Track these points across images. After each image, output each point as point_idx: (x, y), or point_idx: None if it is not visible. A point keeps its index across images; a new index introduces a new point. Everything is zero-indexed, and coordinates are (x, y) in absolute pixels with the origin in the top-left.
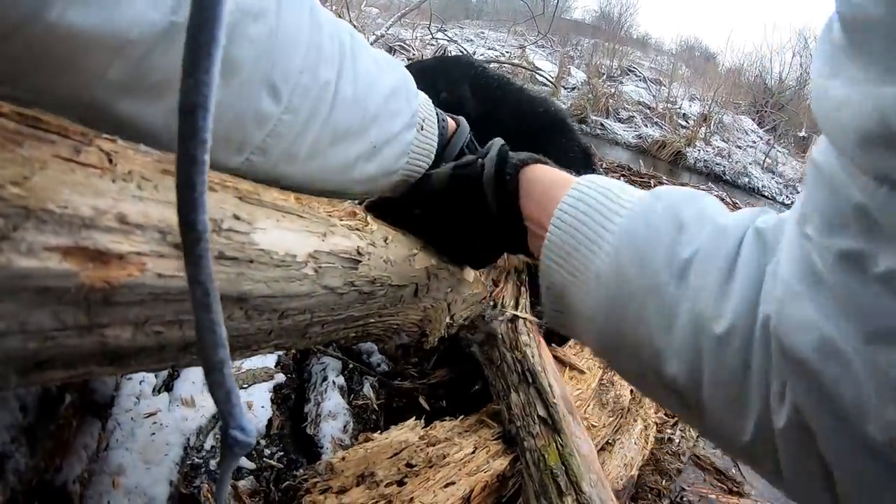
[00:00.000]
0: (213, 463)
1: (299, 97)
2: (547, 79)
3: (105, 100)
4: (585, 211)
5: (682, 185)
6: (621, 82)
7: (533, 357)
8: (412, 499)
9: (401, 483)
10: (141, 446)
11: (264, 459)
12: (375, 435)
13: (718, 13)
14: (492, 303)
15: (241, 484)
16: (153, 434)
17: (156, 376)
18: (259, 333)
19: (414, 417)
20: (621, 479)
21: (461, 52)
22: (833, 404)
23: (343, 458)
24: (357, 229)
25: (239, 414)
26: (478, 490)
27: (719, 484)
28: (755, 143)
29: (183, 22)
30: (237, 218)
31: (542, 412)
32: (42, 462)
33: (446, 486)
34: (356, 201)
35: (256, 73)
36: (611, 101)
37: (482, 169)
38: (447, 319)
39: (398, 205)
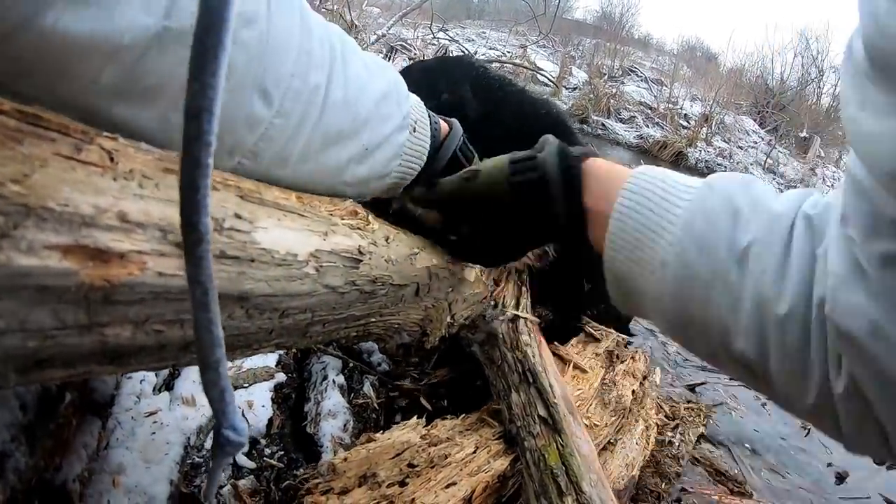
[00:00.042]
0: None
1: (290, 101)
2: (548, 79)
3: (100, 105)
4: (645, 203)
5: None
6: (623, 82)
7: (534, 357)
8: (414, 499)
9: (402, 483)
10: (141, 445)
11: (265, 459)
12: (377, 435)
13: (720, 13)
14: (493, 302)
15: (242, 483)
16: (153, 433)
17: (156, 375)
18: (260, 332)
19: (416, 417)
20: (622, 479)
21: (463, 51)
22: (885, 378)
23: (345, 459)
24: (358, 228)
25: (232, 413)
26: (479, 490)
27: (720, 485)
28: (756, 143)
29: (176, 27)
30: (239, 217)
31: (542, 412)
32: (42, 461)
33: (448, 486)
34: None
35: (248, 77)
36: (612, 101)
37: (544, 168)
38: (448, 319)
39: (448, 220)
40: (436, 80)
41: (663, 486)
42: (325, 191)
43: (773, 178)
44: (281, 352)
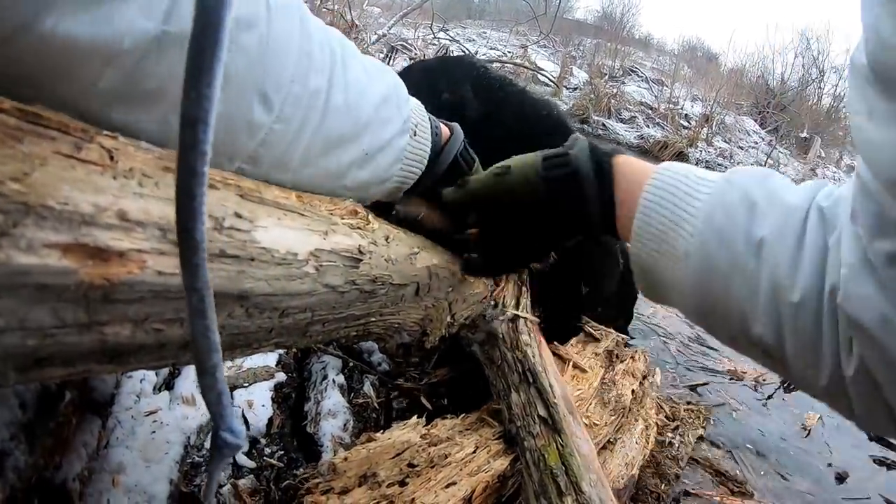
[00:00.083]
0: None
1: (291, 106)
2: (549, 79)
3: (99, 109)
4: (668, 198)
5: None
6: (623, 82)
7: (534, 357)
8: (414, 499)
9: (402, 483)
10: (141, 444)
11: (264, 458)
12: (378, 435)
13: (720, 14)
14: (493, 302)
15: (242, 483)
16: (153, 432)
17: (156, 374)
18: (260, 332)
19: (416, 416)
20: (622, 479)
21: (463, 51)
22: (893, 364)
23: (345, 459)
24: (358, 228)
25: (229, 416)
26: (479, 490)
27: (721, 485)
28: (757, 143)
29: (175, 31)
30: (239, 216)
31: (542, 412)
32: (42, 459)
33: (448, 486)
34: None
35: (248, 82)
36: (613, 101)
37: (577, 163)
38: (448, 318)
39: (486, 233)
40: (436, 80)
41: (663, 486)
42: (325, 195)
43: None
44: (281, 351)
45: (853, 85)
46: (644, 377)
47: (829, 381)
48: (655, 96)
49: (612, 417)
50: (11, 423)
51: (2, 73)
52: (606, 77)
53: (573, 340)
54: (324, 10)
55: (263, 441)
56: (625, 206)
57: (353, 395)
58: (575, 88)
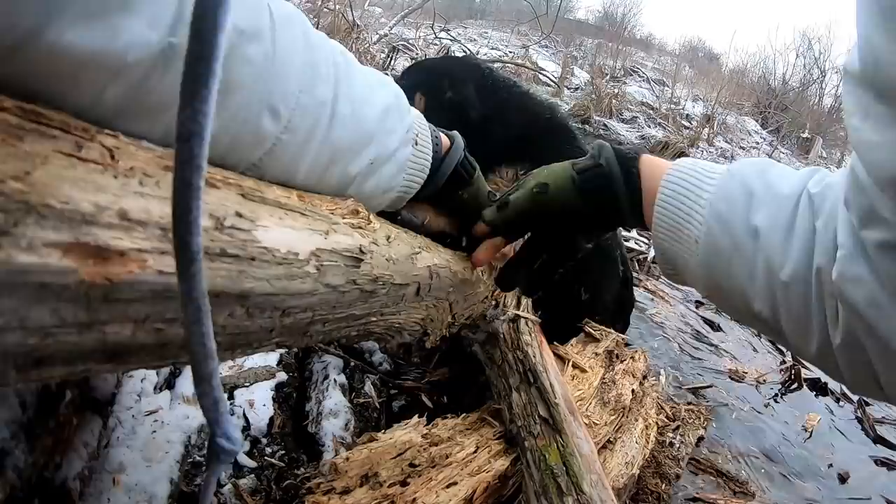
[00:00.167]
0: None
1: (299, 117)
2: (550, 79)
3: (104, 121)
4: (680, 192)
5: None
6: (625, 83)
7: (534, 357)
8: (415, 499)
9: (404, 483)
10: (142, 444)
11: (265, 458)
12: (379, 434)
13: (722, 14)
14: (494, 302)
15: (243, 482)
16: (154, 432)
17: (157, 374)
18: (261, 331)
19: (417, 416)
20: (622, 478)
21: (465, 51)
22: (877, 337)
23: (347, 459)
24: (359, 227)
25: (225, 423)
26: (480, 490)
27: (723, 487)
28: (758, 144)
29: (180, 43)
30: (239, 215)
31: (543, 412)
32: (42, 459)
33: (449, 486)
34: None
35: (254, 93)
36: (614, 101)
37: (610, 174)
38: (449, 318)
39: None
40: (441, 78)
41: (664, 486)
42: None
43: None
44: (282, 351)
45: (848, 87)
46: (644, 377)
47: (819, 349)
48: (657, 97)
49: (612, 417)
50: (11, 421)
51: (10, 85)
52: (608, 77)
53: (573, 340)
54: (325, 10)
55: (264, 441)
56: (648, 202)
57: (354, 394)
58: (576, 88)
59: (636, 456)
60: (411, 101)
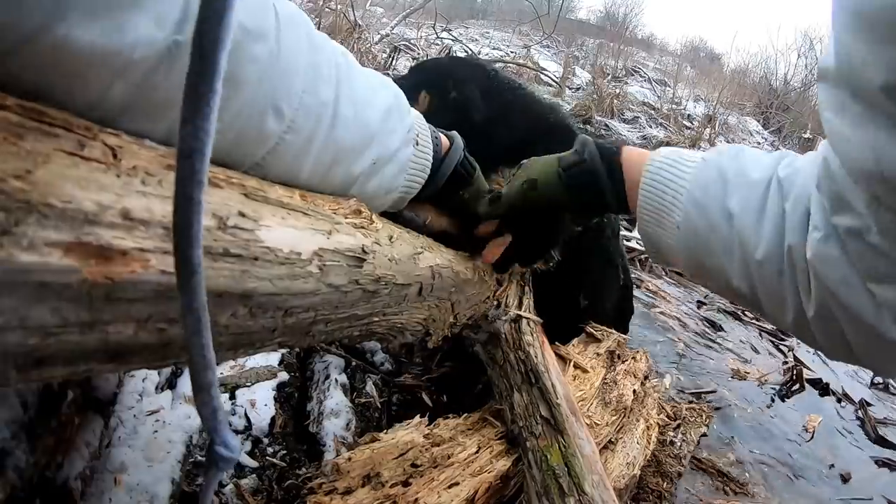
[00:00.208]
0: None
1: (302, 117)
2: (552, 79)
3: (109, 119)
4: (660, 180)
5: None
6: (626, 83)
7: (536, 357)
8: (417, 499)
9: (406, 483)
10: (143, 444)
11: (267, 458)
12: (381, 435)
13: (723, 14)
14: (495, 302)
15: (244, 482)
16: (156, 432)
17: (159, 374)
18: (263, 331)
19: (419, 416)
20: (623, 478)
21: (466, 51)
22: (850, 310)
23: (349, 459)
24: (362, 227)
25: (224, 431)
26: (482, 491)
27: (723, 486)
28: (760, 144)
29: (186, 41)
30: (242, 215)
31: (545, 412)
32: (43, 459)
33: (450, 486)
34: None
35: (260, 93)
36: (616, 101)
37: (593, 169)
38: (451, 318)
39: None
40: (446, 78)
41: (665, 485)
42: None
43: None
44: (284, 351)
45: (823, 84)
46: (646, 377)
47: (794, 319)
48: (658, 97)
49: (614, 417)
50: (13, 421)
51: (17, 81)
52: (609, 77)
53: (575, 341)
54: (327, 10)
55: (266, 440)
56: (631, 191)
57: (355, 394)
58: (578, 88)
59: (637, 456)
60: (416, 100)
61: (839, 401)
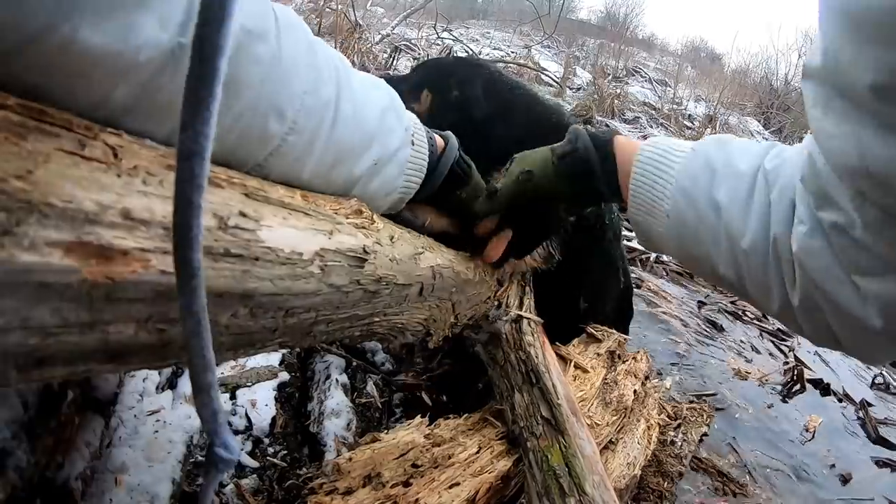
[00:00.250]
0: None
1: (304, 118)
2: (552, 79)
3: (112, 120)
4: (651, 170)
5: None
6: (627, 83)
7: (537, 357)
8: (417, 500)
9: (406, 484)
10: (144, 444)
11: (268, 458)
12: (382, 435)
13: (724, 14)
14: (496, 303)
15: (245, 482)
16: (156, 432)
17: (159, 374)
18: (264, 331)
19: (419, 416)
20: (624, 478)
21: (467, 51)
22: (835, 302)
23: (350, 459)
24: (363, 227)
25: (224, 432)
26: (482, 491)
27: (723, 486)
28: None
29: (190, 43)
30: (243, 215)
31: (545, 413)
32: (44, 459)
33: (451, 486)
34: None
35: (262, 94)
36: (616, 101)
37: (587, 158)
38: (452, 319)
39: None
40: (448, 77)
41: (665, 485)
42: None
43: None
44: (284, 351)
45: (808, 80)
46: (646, 377)
47: (780, 307)
48: (659, 97)
49: (614, 418)
50: (13, 421)
51: (19, 81)
52: (610, 77)
53: (575, 341)
54: (328, 10)
55: (267, 440)
56: (623, 180)
57: (356, 394)
58: (578, 89)
59: (638, 457)
60: (418, 99)
61: (840, 401)
